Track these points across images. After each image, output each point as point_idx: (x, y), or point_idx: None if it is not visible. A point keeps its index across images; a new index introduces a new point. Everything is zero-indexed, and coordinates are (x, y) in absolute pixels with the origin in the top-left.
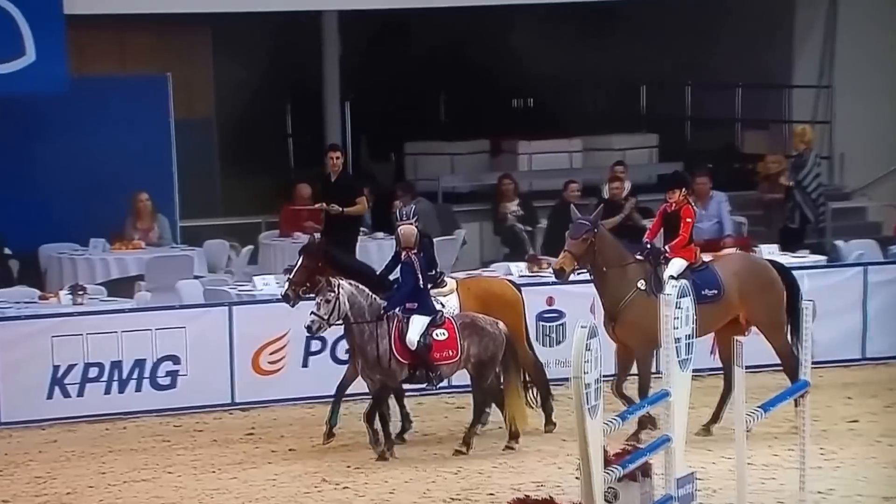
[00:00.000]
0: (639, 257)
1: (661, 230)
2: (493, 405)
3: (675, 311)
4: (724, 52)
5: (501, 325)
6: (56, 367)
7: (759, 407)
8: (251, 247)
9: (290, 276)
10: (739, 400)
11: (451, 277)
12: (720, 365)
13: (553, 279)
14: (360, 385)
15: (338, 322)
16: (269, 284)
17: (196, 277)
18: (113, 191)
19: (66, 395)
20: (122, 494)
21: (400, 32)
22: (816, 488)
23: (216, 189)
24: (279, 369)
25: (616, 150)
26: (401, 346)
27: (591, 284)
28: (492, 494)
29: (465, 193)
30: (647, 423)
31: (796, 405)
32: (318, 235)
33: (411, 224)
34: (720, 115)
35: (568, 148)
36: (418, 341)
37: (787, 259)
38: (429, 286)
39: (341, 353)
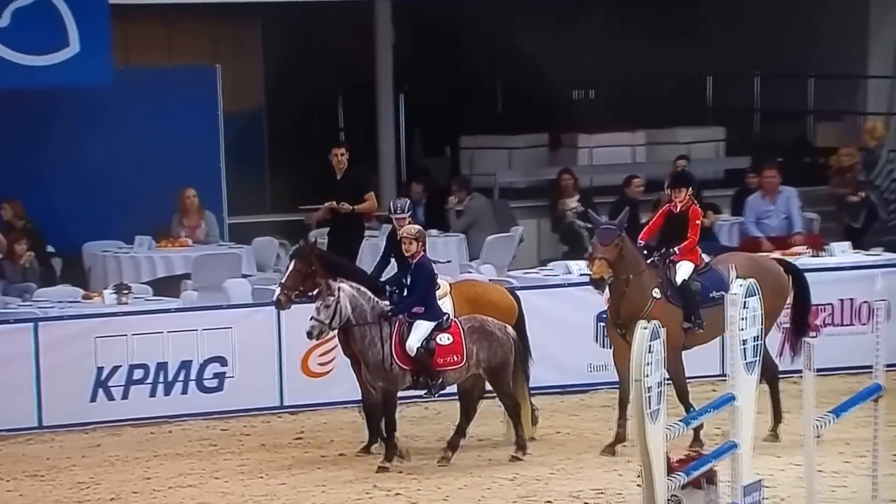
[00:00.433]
0: (649, 262)
1: (650, 231)
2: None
3: (742, 312)
4: (795, 40)
5: (510, 329)
6: (100, 369)
7: (829, 412)
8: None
9: (282, 281)
10: (809, 405)
11: (444, 280)
12: (789, 368)
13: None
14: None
15: (340, 326)
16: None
17: (244, 276)
18: (159, 186)
19: (110, 397)
20: (167, 500)
21: (455, 21)
22: (889, 496)
23: (265, 185)
24: (329, 371)
25: (681, 144)
26: (401, 351)
27: None
28: (549, 502)
29: (522, 189)
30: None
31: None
32: (312, 238)
33: (405, 217)
34: (791, 107)
35: (631, 141)
36: (419, 348)
37: (859, 257)
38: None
39: None
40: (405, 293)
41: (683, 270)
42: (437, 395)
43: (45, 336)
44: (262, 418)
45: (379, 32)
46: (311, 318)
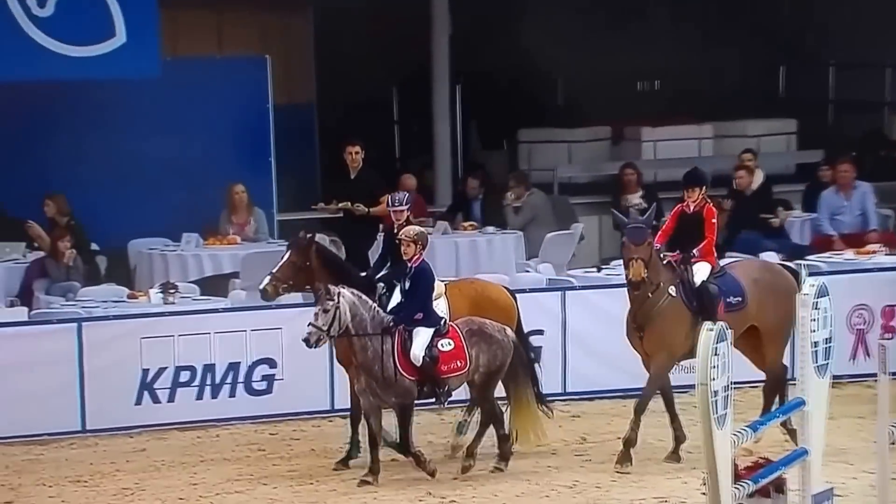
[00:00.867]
0: (665, 263)
1: (665, 234)
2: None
3: (813, 313)
4: (871, 28)
5: (509, 331)
6: (145, 371)
7: None
8: None
9: (273, 271)
10: (883, 410)
11: (439, 280)
12: (862, 371)
13: None
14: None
15: (338, 334)
16: None
17: None
18: (207, 182)
19: (156, 400)
20: None
21: (514, 9)
22: None
23: (316, 180)
24: None
25: (750, 137)
26: (404, 361)
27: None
28: None
29: (583, 184)
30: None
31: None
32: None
33: (403, 210)
34: (866, 98)
35: (697, 134)
36: (423, 356)
37: None
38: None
39: None
40: (401, 298)
41: (702, 272)
42: (445, 403)
43: (89, 337)
44: (312, 422)
45: (436, 22)
46: (309, 325)
